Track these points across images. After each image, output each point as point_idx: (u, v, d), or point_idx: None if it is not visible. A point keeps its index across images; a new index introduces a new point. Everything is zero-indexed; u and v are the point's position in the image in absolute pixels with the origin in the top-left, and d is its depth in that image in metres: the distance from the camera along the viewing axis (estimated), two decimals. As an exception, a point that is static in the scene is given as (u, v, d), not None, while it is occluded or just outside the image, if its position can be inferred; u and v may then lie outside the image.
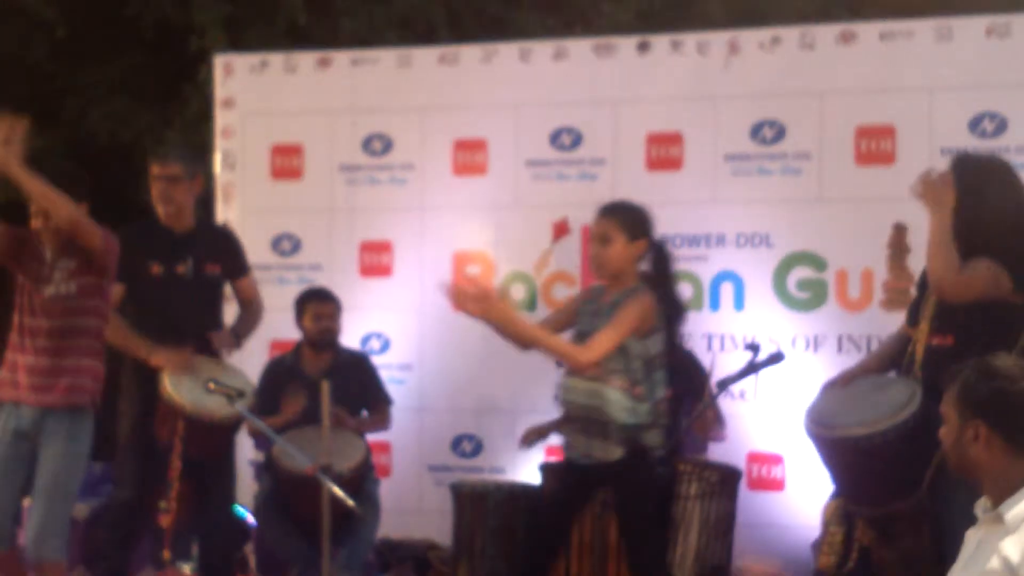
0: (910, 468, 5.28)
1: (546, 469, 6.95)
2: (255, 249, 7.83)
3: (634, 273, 5.92)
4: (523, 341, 5.74)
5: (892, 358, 5.70)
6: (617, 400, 5.71)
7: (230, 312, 7.27)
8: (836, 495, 5.67)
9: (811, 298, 7.51)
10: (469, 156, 8.09)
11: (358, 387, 7.46)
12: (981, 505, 3.77)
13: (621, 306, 5.78)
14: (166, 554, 6.66)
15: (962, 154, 5.89)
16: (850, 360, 6.69)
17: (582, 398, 5.78)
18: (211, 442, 6.53)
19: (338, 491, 5.78)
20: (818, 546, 5.69)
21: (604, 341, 5.70)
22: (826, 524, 5.68)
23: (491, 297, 5.58)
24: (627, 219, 5.92)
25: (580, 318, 5.99)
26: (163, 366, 6.50)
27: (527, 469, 7.42)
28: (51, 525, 5.96)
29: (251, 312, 7.07)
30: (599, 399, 5.72)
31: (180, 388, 6.40)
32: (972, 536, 3.77)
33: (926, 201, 5.38)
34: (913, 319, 5.57)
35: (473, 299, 5.55)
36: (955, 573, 3.73)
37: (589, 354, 5.69)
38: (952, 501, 5.20)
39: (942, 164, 6.24)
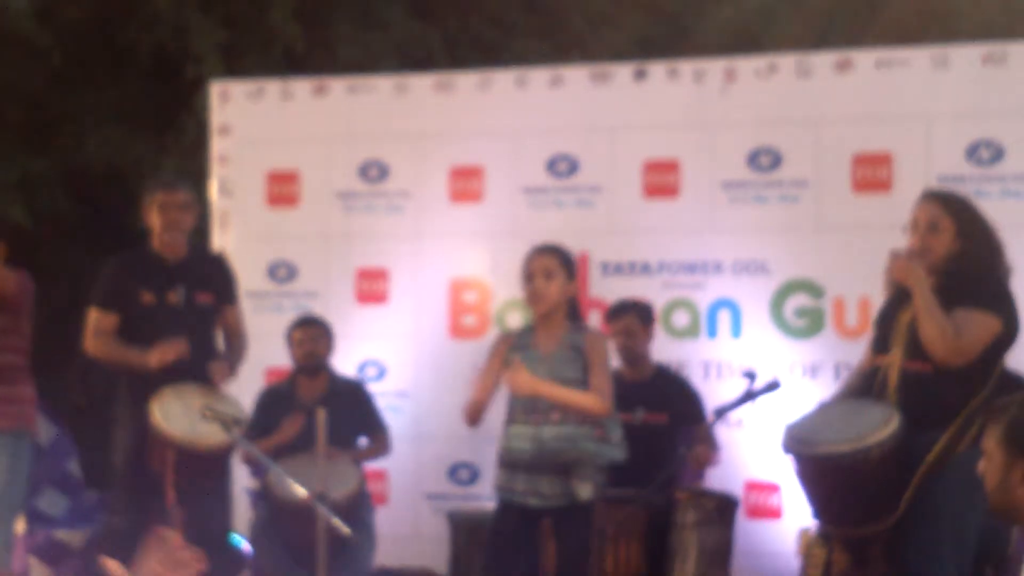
0: (888, 489, 5.32)
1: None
2: (251, 276, 7.83)
3: (565, 314, 6.10)
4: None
5: (860, 391, 5.74)
6: (587, 442, 5.91)
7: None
8: (815, 518, 5.72)
9: (808, 325, 7.52)
10: (465, 183, 8.09)
11: (354, 415, 7.44)
12: None
13: (592, 347, 6.00)
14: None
15: (944, 192, 5.94)
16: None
17: (551, 443, 5.91)
18: (202, 470, 6.49)
19: (333, 519, 5.75)
20: (802, 570, 5.74)
21: (606, 384, 5.93)
22: (808, 546, 5.72)
23: (523, 374, 5.86)
24: (567, 260, 6.13)
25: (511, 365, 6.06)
26: (159, 364, 6.47)
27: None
28: None
29: (235, 346, 7.00)
30: (568, 442, 5.89)
31: (169, 418, 6.35)
32: None
33: (901, 280, 5.49)
34: (881, 346, 5.60)
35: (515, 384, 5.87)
36: None
37: (606, 402, 5.93)
38: (931, 529, 5.22)
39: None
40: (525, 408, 6.00)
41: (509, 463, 6.06)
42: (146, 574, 2.99)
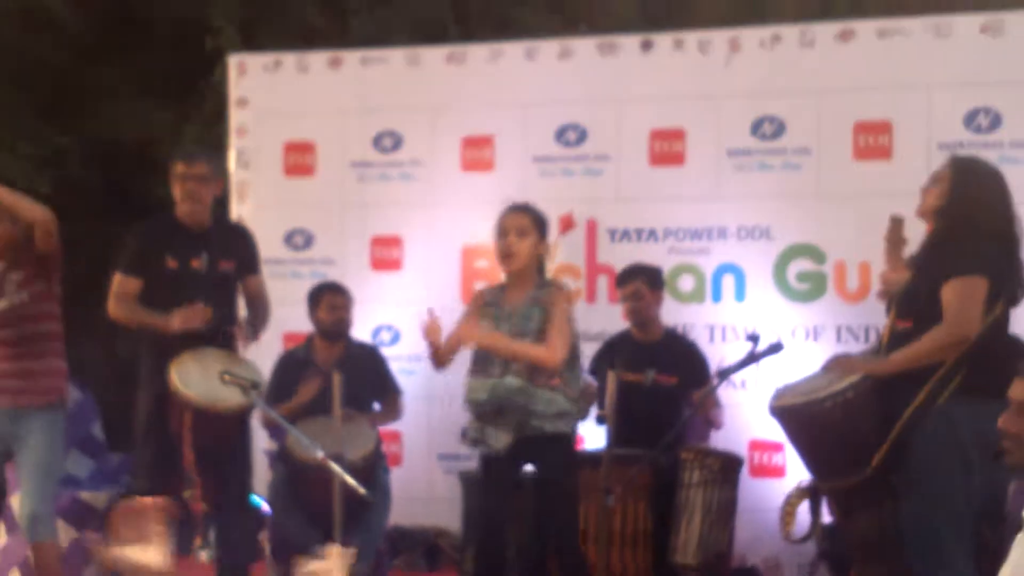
0: (858, 442, 5.40)
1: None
2: (269, 244, 7.93)
3: (535, 272, 6.22)
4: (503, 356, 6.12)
5: (873, 351, 5.85)
6: (536, 393, 6.03)
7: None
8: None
9: (810, 289, 7.64)
10: (477, 153, 8.21)
11: (369, 378, 7.56)
12: None
13: (552, 300, 6.11)
14: (198, 540, 6.82)
15: (961, 157, 5.90)
16: (848, 350, 6.84)
17: (501, 394, 6.06)
18: (220, 432, 6.57)
19: (349, 479, 5.87)
20: (782, 517, 5.86)
21: (559, 337, 6.02)
22: (788, 496, 5.84)
23: (475, 329, 6.11)
24: (540, 220, 6.23)
25: (484, 322, 6.24)
26: (180, 327, 6.56)
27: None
28: (43, 509, 6.37)
29: (257, 312, 7.09)
30: (520, 394, 6.03)
31: (187, 381, 6.46)
32: None
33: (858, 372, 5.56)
34: (889, 308, 5.72)
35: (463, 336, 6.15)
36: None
37: (556, 354, 6.01)
38: (914, 485, 5.32)
39: (938, 158, 6.38)
40: (478, 360, 6.22)
41: (475, 414, 6.25)
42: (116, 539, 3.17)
